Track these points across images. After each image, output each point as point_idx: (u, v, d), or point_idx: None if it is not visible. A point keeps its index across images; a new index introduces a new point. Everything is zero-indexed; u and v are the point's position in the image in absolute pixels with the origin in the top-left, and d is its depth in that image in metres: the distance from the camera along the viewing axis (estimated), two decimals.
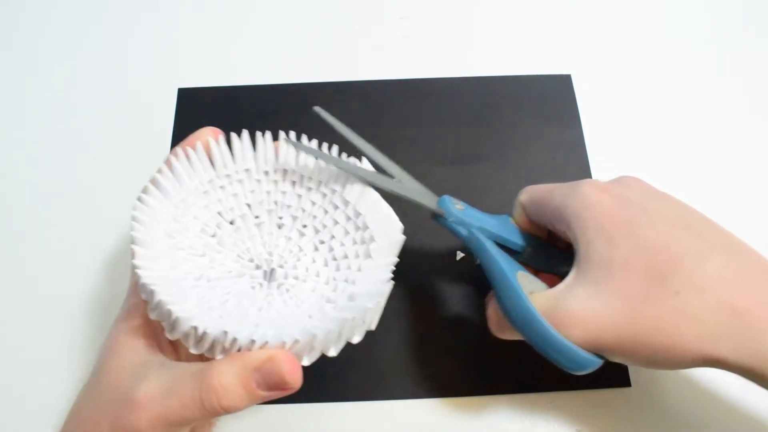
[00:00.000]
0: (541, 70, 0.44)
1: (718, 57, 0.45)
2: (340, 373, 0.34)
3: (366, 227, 0.30)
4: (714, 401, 0.33)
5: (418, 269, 0.37)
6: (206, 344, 0.24)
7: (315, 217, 0.31)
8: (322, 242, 0.31)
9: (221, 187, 0.30)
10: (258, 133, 0.31)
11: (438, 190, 0.40)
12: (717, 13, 0.47)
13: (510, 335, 0.29)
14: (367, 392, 0.34)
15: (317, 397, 0.34)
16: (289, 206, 0.31)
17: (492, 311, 0.30)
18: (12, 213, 0.39)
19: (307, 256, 0.31)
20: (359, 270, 0.29)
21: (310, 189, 0.31)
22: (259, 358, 0.23)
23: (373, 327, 0.27)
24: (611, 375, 0.34)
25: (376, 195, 0.30)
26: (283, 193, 0.31)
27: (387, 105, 0.43)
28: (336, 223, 0.31)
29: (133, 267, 0.25)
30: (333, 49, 0.46)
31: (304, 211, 0.31)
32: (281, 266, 0.30)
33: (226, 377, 0.23)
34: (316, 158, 0.31)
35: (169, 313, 0.24)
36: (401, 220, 0.29)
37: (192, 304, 0.26)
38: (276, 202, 0.31)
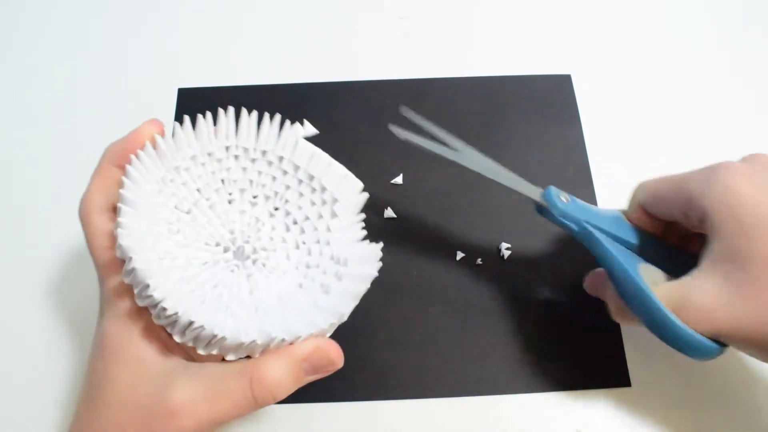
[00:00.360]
0: (541, 70, 0.44)
1: (718, 57, 0.45)
2: (340, 373, 0.34)
3: (323, 188, 0.30)
4: (714, 401, 0.33)
5: (418, 269, 0.37)
6: (218, 348, 0.25)
7: (263, 185, 0.31)
8: (276, 208, 0.31)
9: (171, 180, 0.29)
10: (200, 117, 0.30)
11: (438, 190, 0.40)
12: (717, 12, 0.47)
13: (630, 322, 0.29)
14: (367, 392, 0.34)
15: (317, 397, 0.34)
16: (234, 180, 0.31)
17: (612, 300, 0.30)
18: (12, 213, 0.39)
19: (265, 225, 0.31)
20: (328, 230, 0.30)
21: (254, 160, 0.31)
22: (306, 349, 0.25)
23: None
24: (611, 375, 0.34)
25: (328, 157, 0.30)
26: (228, 169, 0.31)
27: (387, 105, 0.43)
28: (288, 188, 0.31)
29: (119, 248, 0.25)
30: (333, 49, 0.46)
31: (251, 182, 0.31)
32: (246, 242, 0.30)
33: (278, 371, 0.24)
34: (422, 144, 0.31)
35: (176, 317, 0.24)
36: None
37: (192, 303, 0.26)
38: (223, 180, 0.31)
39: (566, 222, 0.30)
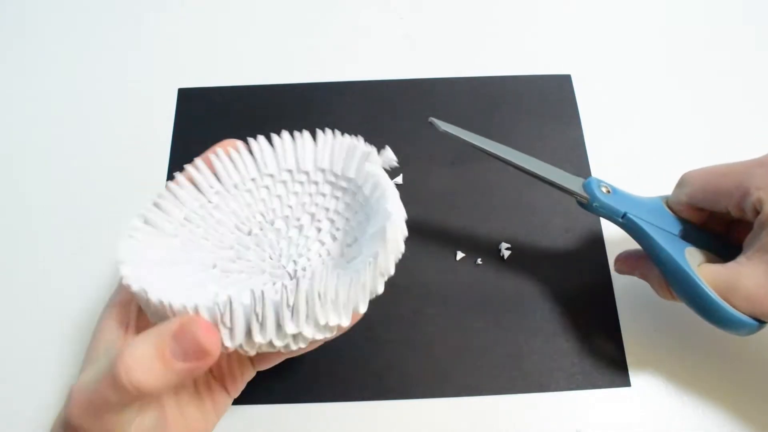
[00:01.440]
0: (541, 70, 0.44)
1: (717, 57, 0.45)
2: (340, 373, 0.34)
3: (366, 199, 0.29)
4: (714, 401, 0.33)
5: (418, 269, 0.37)
6: (153, 313, 0.24)
7: (327, 209, 0.30)
8: (333, 225, 0.30)
9: (266, 187, 0.30)
10: (251, 140, 0.30)
11: (438, 190, 0.40)
12: (717, 13, 0.47)
13: (675, 299, 0.30)
14: (367, 392, 0.34)
15: (318, 397, 0.34)
16: (303, 204, 0.30)
17: (656, 281, 0.31)
18: (11, 213, 0.39)
19: (314, 241, 0.30)
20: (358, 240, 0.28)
21: (318, 183, 0.30)
22: (174, 325, 0.21)
23: (391, 271, 0.25)
24: (611, 375, 0.34)
25: (388, 186, 0.28)
26: (296, 194, 0.30)
27: (387, 105, 0.43)
28: (337, 199, 0.30)
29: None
30: (333, 49, 0.46)
31: (317, 205, 0.30)
32: (303, 268, 0.29)
33: (140, 348, 0.21)
34: (462, 136, 0.31)
35: (127, 285, 0.24)
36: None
37: (164, 280, 0.25)
38: (290, 206, 0.30)
39: (606, 213, 0.30)
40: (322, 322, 0.23)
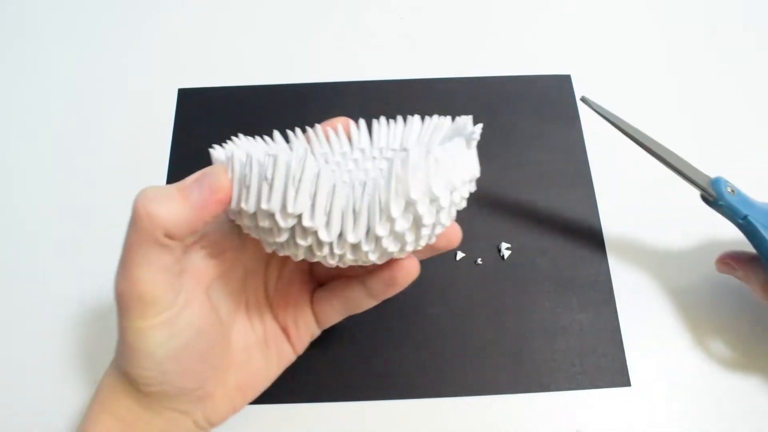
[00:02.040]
0: (541, 70, 0.44)
1: (717, 57, 0.45)
2: (340, 373, 0.34)
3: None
4: (714, 401, 0.33)
5: None
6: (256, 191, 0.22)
7: None
8: None
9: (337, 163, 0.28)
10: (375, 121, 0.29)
11: None
12: (717, 13, 0.47)
13: None
14: (367, 392, 0.34)
15: (318, 397, 0.34)
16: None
17: (760, 285, 0.31)
18: (11, 213, 0.39)
19: None
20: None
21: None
22: (200, 171, 0.23)
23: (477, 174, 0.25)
24: (611, 375, 0.34)
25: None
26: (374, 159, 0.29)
27: (387, 105, 0.43)
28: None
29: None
30: (333, 49, 0.46)
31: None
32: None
33: (158, 186, 0.23)
34: (611, 118, 0.31)
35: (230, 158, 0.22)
36: None
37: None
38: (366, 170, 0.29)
39: (729, 213, 0.31)
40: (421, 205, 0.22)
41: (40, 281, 0.37)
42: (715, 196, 0.31)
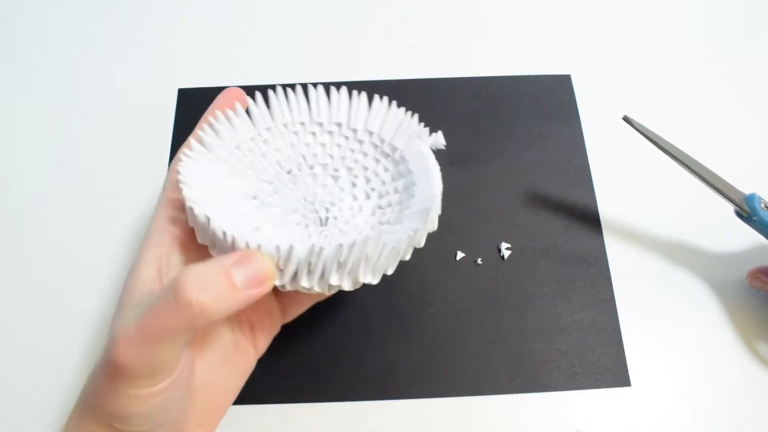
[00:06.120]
0: (541, 70, 0.44)
1: (717, 57, 0.45)
2: (340, 373, 0.34)
3: (409, 171, 0.30)
4: (713, 401, 0.33)
5: (418, 269, 0.37)
6: (211, 243, 0.25)
7: (383, 182, 0.31)
8: (369, 183, 0.31)
9: (312, 134, 0.31)
10: (310, 86, 0.31)
11: None
12: (716, 13, 0.47)
13: None
14: (367, 392, 0.34)
15: (318, 397, 0.34)
16: (343, 157, 0.32)
17: None
18: (11, 213, 0.39)
19: (348, 194, 0.31)
20: (401, 210, 0.29)
21: (376, 146, 0.31)
22: (235, 255, 0.23)
23: (421, 244, 0.28)
24: (611, 375, 0.34)
25: (426, 150, 0.30)
26: (339, 146, 0.32)
27: None
28: (377, 161, 0.31)
29: (178, 181, 0.26)
30: (333, 49, 0.46)
31: (376, 175, 0.31)
32: (335, 218, 0.30)
33: (203, 270, 0.22)
34: (650, 136, 0.33)
35: (190, 209, 0.25)
36: None
37: (218, 207, 0.26)
38: (331, 156, 0.32)
39: (763, 229, 0.32)
40: (361, 279, 0.25)
41: (40, 281, 0.37)
42: (749, 212, 0.32)
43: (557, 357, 0.35)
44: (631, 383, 0.34)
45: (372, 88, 0.44)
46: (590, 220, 0.39)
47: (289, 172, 0.31)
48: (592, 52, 0.46)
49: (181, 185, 0.26)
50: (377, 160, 0.31)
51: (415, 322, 0.36)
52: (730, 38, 0.46)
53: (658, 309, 0.36)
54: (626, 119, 0.34)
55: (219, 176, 0.28)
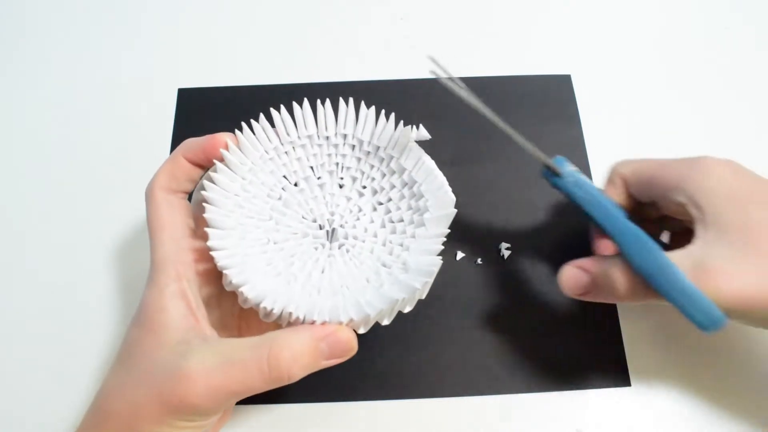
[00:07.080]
0: (541, 70, 0.44)
1: (717, 58, 0.45)
2: (340, 373, 0.34)
3: (421, 195, 0.31)
4: (714, 401, 0.33)
5: None
6: (273, 317, 0.27)
7: (373, 179, 0.32)
8: (380, 203, 0.32)
9: (285, 153, 0.32)
10: (318, 102, 0.32)
11: None
12: (716, 14, 0.47)
13: (641, 299, 0.28)
14: (367, 392, 0.34)
15: (318, 397, 0.34)
16: (348, 168, 0.32)
17: (621, 275, 0.28)
18: (11, 213, 0.39)
19: (366, 216, 0.32)
20: (413, 237, 0.30)
21: (368, 153, 0.32)
22: (325, 330, 0.26)
23: (423, 296, 0.29)
24: (611, 375, 0.34)
25: (432, 164, 0.31)
26: (343, 156, 0.32)
27: (387, 105, 0.43)
28: (393, 187, 0.32)
29: (209, 249, 0.27)
30: (333, 49, 0.46)
31: (363, 173, 0.32)
32: (342, 226, 0.31)
33: (297, 345, 0.25)
34: (453, 85, 0.33)
35: (241, 292, 0.26)
36: None
37: (260, 278, 0.28)
38: (337, 164, 0.32)
39: (574, 189, 0.30)
40: (382, 323, 0.28)
41: (40, 281, 0.37)
42: (561, 173, 0.30)
43: (557, 357, 0.35)
44: (631, 383, 0.34)
45: (372, 88, 0.44)
46: (590, 219, 0.39)
47: (279, 198, 0.32)
48: (592, 52, 0.46)
49: (213, 254, 0.27)
50: (358, 159, 0.32)
51: (414, 322, 0.36)
52: (731, 38, 0.46)
53: (659, 309, 0.36)
54: (430, 58, 0.32)
55: (238, 241, 0.29)
